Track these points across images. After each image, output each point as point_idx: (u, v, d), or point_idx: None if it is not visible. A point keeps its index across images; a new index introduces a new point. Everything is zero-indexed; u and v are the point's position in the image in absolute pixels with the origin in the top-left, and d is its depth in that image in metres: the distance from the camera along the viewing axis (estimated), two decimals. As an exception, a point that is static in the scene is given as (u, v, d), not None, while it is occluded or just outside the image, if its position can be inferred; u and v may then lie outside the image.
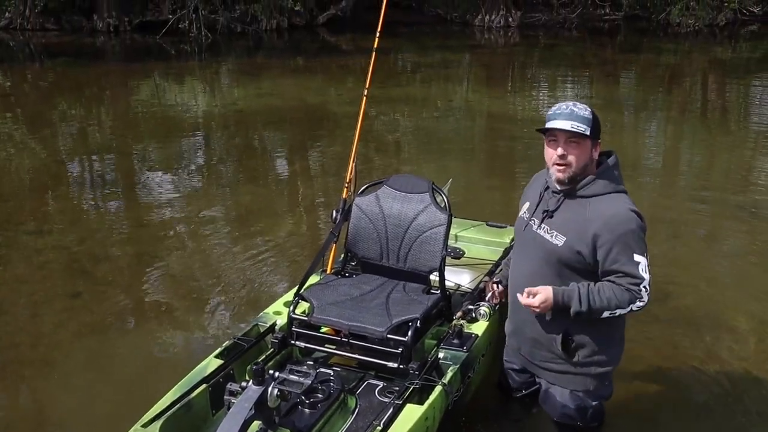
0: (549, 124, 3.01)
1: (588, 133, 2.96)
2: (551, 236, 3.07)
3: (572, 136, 2.97)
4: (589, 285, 2.99)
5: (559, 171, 3.03)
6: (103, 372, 4.27)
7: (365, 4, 22.85)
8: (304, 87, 13.53)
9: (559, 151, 3.00)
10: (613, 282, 2.96)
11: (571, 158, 2.99)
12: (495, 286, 3.65)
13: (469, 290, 3.91)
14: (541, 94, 13.50)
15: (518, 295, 3.10)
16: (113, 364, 4.35)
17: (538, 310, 3.04)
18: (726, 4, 20.94)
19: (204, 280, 5.44)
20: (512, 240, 3.70)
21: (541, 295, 3.00)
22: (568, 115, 2.97)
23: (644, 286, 2.94)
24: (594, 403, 3.29)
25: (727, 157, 9.02)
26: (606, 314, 2.97)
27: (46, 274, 5.50)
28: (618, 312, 2.97)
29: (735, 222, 6.64)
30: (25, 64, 16.50)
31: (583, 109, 3.00)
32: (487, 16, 21.88)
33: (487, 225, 4.65)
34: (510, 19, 21.79)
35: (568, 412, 3.30)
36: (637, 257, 2.93)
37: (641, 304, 2.96)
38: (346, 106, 11.63)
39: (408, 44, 18.30)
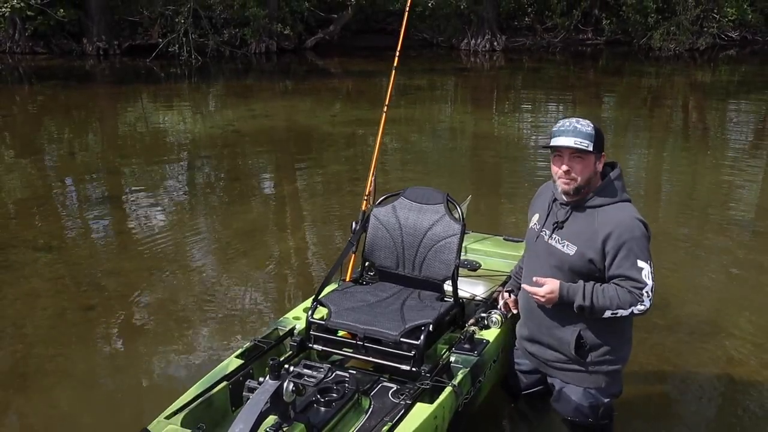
0: (554, 141, 3.19)
1: (591, 148, 3.14)
2: (563, 246, 3.23)
3: (576, 152, 3.15)
4: (594, 283, 3.15)
5: (565, 184, 3.21)
6: (122, 381, 4.41)
7: (352, 29, 23.22)
8: (295, 109, 13.71)
9: (564, 167, 3.18)
10: (617, 284, 3.12)
11: (575, 173, 3.17)
12: (506, 294, 3.80)
13: (483, 300, 4.05)
14: (526, 115, 13.76)
15: (524, 285, 3.24)
16: (131, 374, 4.50)
17: (542, 300, 3.18)
18: (705, 29, 21.40)
19: (214, 293, 5.58)
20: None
21: (548, 286, 3.16)
22: (571, 131, 3.15)
23: (646, 291, 3.09)
24: (606, 400, 3.42)
25: (709, 174, 9.29)
26: (608, 314, 3.11)
27: (59, 288, 5.61)
28: (619, 312, 3.10)
29: (721, 235, 6.88)
30: (14, 88, 16.54)
31: (586, 125, 3.17)
32: (473, 41, 22.23)
33: (503, 239, 4.80)
34: (495, 43, 22.15)
35: (582, 409, 3.42)
36: (640, 263, 3.09)
37: (642, 307, 3.10)
38: (340, 126, 11.85)
39: (395, 68, 18.53)
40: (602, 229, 3.14)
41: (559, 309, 3.27)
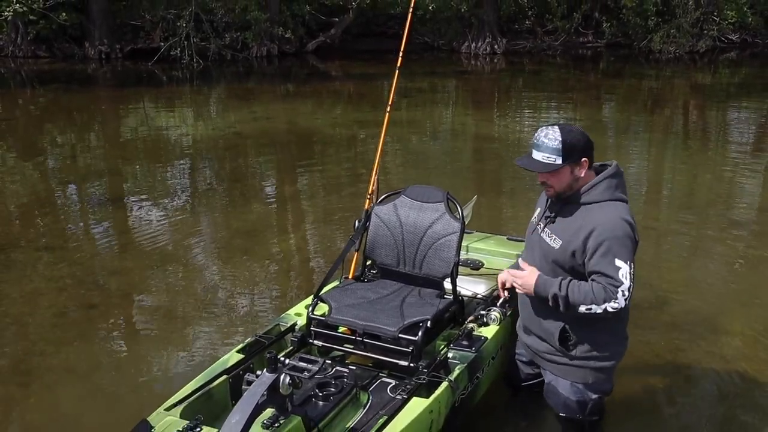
0: (531, 154, 3.24)
1: (558, 161, 3.15)
2: (551, 239, 3.29)
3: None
4: (571, 279, 3.19)
5: (546, 192, 3.34)
6: (123, 378, 4.44)
7: (354, 32, 23.28)
8: (296, 111, 13.75)
9: (539, 179, 3.26)
10: (594, 281, 3.14)
11: (550, 184, 3.25)
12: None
13: (484, 298, 4.07)
14: (527, 117, 13.78)
15: (505, 270, 3.35)
16: (133, 371, 4.53)
17: (518, 285, 3.31)
18: (705, 32, 21.44)
19: (215, 292, 5.62)
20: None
21: (527, 273, 3.27)
22: (538, 146, 3.19)
23: (622, 290, 3.08)
24: (594, 396, 3.44)
25: (709, 173, 9.34)
26: (582, 309, 3.12)
27: (61, 287, 5.65)
28: (593, 308, 3.10)
29: (719, 234, 6.91)
30: (16, 91, 16.59)
31: (553, 139, 3.15)
32: (474, 44, 22.29)
33: (507, 239, 4.82)
34: (496, 47, 22.21)
35: (570, 404, 3.46)
36: (618, 262, 3.09)
37: (616, 305, 3.09)
38: (341, 129, 11.91)
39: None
40: (587, 225, 3.17)
41: (546, 301, 3.30)
